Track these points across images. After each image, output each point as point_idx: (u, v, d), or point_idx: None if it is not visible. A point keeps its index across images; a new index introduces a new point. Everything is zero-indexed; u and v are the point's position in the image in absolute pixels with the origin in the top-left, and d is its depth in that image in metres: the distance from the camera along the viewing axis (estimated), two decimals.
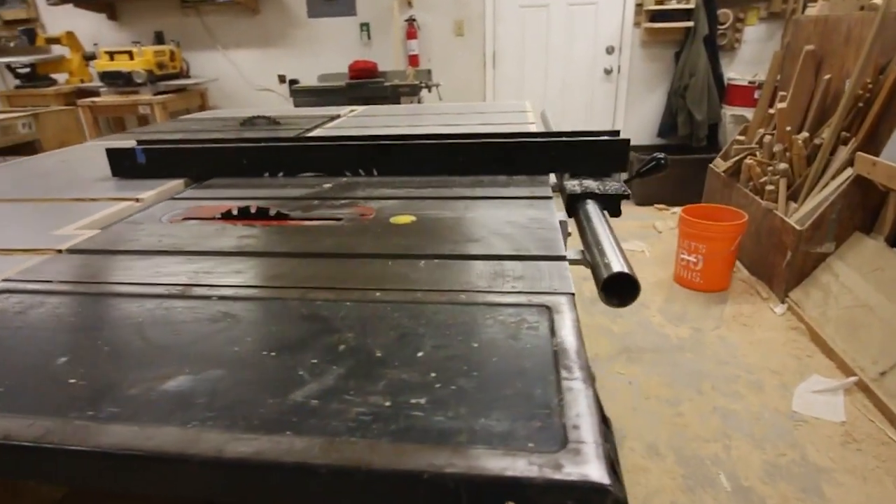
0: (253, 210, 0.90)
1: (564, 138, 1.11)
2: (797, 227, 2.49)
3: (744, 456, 1.74)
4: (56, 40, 4.04)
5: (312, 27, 4.27)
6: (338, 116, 2.12)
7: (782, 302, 2.60)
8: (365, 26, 4.23)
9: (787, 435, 1.82)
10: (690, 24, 3.87)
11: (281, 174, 1.19)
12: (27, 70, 3.82)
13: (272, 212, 0.90)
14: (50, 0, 3.92)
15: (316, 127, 1.85)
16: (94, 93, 3.87)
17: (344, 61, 3.92)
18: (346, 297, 0.62)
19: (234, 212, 0.91)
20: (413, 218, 0.89)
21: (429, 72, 3.89)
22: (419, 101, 3.75)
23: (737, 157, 3.24)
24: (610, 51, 4.15)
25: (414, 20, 4.13)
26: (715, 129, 4.10)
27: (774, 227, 2.68)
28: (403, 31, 4.15)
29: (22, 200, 1.11)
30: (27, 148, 2.44)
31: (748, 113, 3.67)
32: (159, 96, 3.81)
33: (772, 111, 3.08)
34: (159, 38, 4.31)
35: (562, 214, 0.89)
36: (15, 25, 4.39)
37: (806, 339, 2.35)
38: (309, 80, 4.21)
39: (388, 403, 0.43)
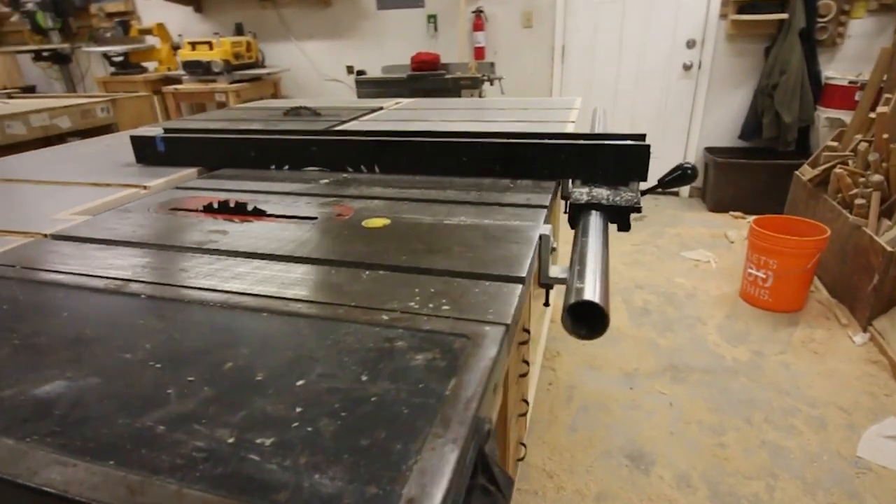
0: (232, 204, 0.89)
1: (577, 140, 1.01)
2: (888, 248, 2.19)
3: (789, 500, 1.55)
4: (148, 31, 4.33)
5: (381, 19, 4.30)
6: (380, 109, 2.10)
7: (864, 330, 2.30)
8: (432, 18, 4.19)
9: (846, 483, 1.61)
10: (784, 16, 3.50)
11: (286, 167, 1.18)
12: (121, 59, 4.13)
13: (249, 207, 0.89)
14: None
15: (353, 119, 1.84)
16: (177, 80, 4.12)
17: (410, 53, 3.90)
18: (267, 306, 0.58)
19: (215, 205, 0.90)
20: (387, 221, 0.84)
21: (491, 65, 3.79)
22: (480, 95, 3.67)
23: (826, 165, 2.90)
24: (691, 45, 3.85)
25: (482, 11, 4.04)
26: (806, 133, 3.71)
27: (862, 246, 2.37)
28: (470, 22, 4.08)
29: (46, 182, 1.18)
30: (105, 130, 2.62)
31: (847, 116, 3.27)
32: (234, 85, 3.99)
33: (872, 115, 2.73)
34: (239, 30, 4.51)
35: (547, 228, 0.80)
36: (114, 17, 4.76)
37: (887, 376, 2.07)
38: (376, 71, 4.24)
39: (231, 440, 0.39)
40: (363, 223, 0.83)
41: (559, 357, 2.24)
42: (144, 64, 4.41)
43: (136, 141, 1.27)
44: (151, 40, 4.43)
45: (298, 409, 0.42)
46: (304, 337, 0.52)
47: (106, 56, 4.14)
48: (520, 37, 4.09)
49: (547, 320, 2.21)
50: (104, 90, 4.23)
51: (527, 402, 1.31)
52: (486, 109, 1.97)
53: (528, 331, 1.10)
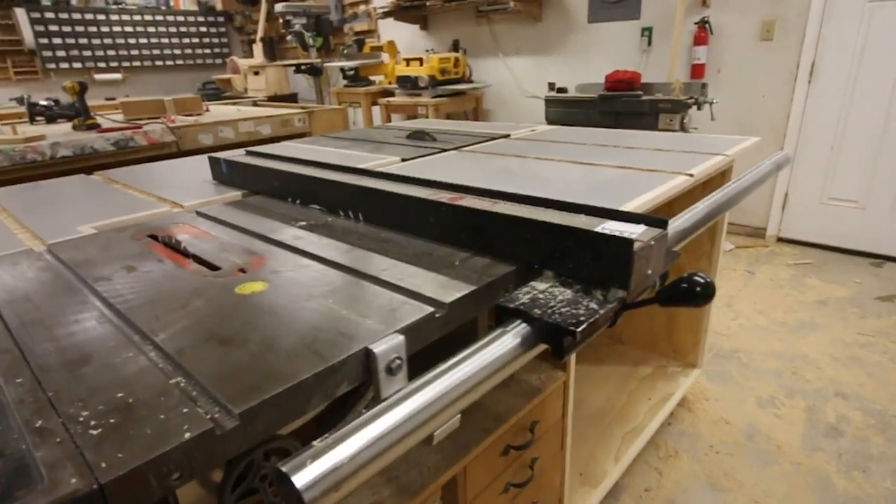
0: (180, 239, 0.89)
1: (545, 216, 0.75)
2: None
3: None
4: (379, 48, 4.85)
5: (590, 33, 4.02)
6: (505, 136, 1.94)
7: None
8: (647, 31, 3.75)
9: None
10: None
11: (298, 202, 1.15)
12: (352, 72, 4.72)
13: (181, 247, 0.87)
14: (377, 15, 4.73)
15: (455, 148, 1.73)
16: (391, 93, 4.53)
17: (617, 68, 3.57)
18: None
19: (160, 238, 0.91)
20: (263, 287, 0.73)
21: (702, 86, 3.21)
22: (683, 122, 3.15)
23: None
24: None
25: (707, 22, 3.45)
26: None
27: None
28: (691, 35, 3.53)
29: (124, 188, 1.36)
30: (300, 136, 3.01)
31: None
32: (435, 99, 4.20)
33: None
34: (455, 46, 4.74)
35: (392, 343, 0.59)
36: (360, 35, 5.47)
37: None
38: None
39: None
40: (236, 288, 0.73)
41: (675, 458, 1.78)
42: (373, 77, 4.95)
43: (211, 161, 1.39)
44: (383, 56, 4.95)
45: None
46: None
47: (342, 70, 4.77)
48: (754, 52, 3.38)
49: (670, 404, 1.78)
50: (336, 99, 4.90)
51: None
52: (608, 147, 1.65)
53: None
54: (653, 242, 0.68)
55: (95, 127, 2.50)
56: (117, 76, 5.88)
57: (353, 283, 0.73)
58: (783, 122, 3.38)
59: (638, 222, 0.74)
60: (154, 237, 0.96)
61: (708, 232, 1.81)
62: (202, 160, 1.73)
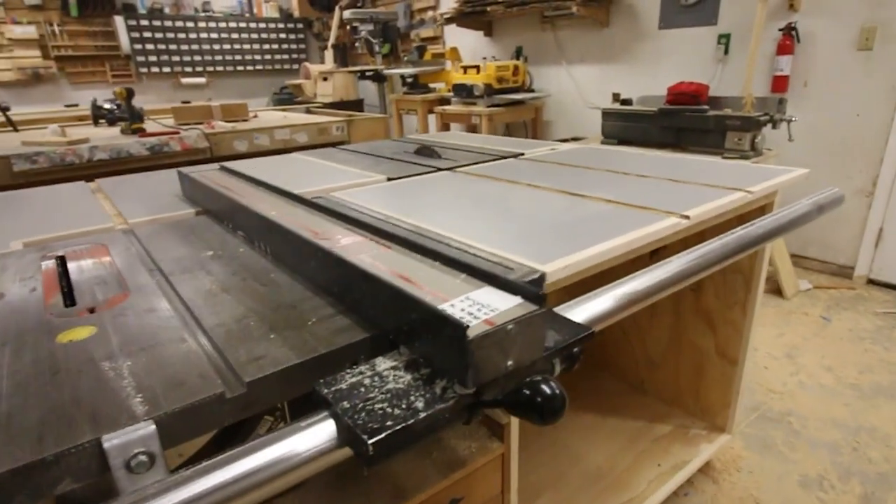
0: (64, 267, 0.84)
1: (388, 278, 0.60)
2: None
3: None
4: (441, 55, 4.79)
5: (661, 40, 3.70)
6: (519, 155, 1.78)
7: None
8: (724, 38, 3.39)
9: None
10: None
11: (231, 226, 1.07)
12: (411, 80, 4.69)
13: (67, 274, 0.82)
14: (439, 21, 4.66)
15: (451, 168, 1.60)
16: (447, 101, 4.44)
17: (689, 79, 3.25)
18: None
19: (62, 261, 0.87)
20: (87, 335, 0.64)
21: (780, 101, 2.81)
22: (754, 140, 2.79)
23: None
24: None
25: (793, 29, 3.05)
26: None
27: None
28: (774, 43, 3.13)
29: (103, 198, 1.35)
30: (338, 145, 2.99)
31: None
32: (490, 108, 4.06)
33: None
34: (518, 53, 4.56)
35: (142, 431, 0.48)
36: (427, 42, 5.43)
37: None
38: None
39: None
40: (60, 334, 0.66)
41: None
42: (434, 85, 4.89)
43: (179, 175, 1.35)
44: (447, 64, 4.88)
45: None
46: None
47: (402, 77, 4.75)
48: (849, 63, 2.94)
49: (682, 475, 1.53)
50: (395, 106, 4.89)
51: None
52: (618, 174, 1.44)
53: None
54: (511, 326, 0.52)
55: (140, 131, 2.62)
56: (202, 80, 6.27)
57: (175, 341, 0.63)
58: (880, 145, 2.90)
59: (515, 293, 0.58)
60: (60, 258, 0.92)
61: (743, 276, 1.54)
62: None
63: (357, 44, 5.33)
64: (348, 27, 5.40)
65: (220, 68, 6.37)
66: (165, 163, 2.48)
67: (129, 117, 2.69)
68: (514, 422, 0.98)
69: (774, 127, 2.83)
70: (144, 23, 5.79)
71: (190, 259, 0.90)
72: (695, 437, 1.68)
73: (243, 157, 2.57)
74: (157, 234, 1.07)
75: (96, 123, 3.13)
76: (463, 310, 0.54)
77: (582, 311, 0.77)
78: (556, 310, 0.72)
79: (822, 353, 2.38)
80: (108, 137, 2.53)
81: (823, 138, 3.09)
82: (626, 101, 3.66)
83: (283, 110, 3.96)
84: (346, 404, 0.51)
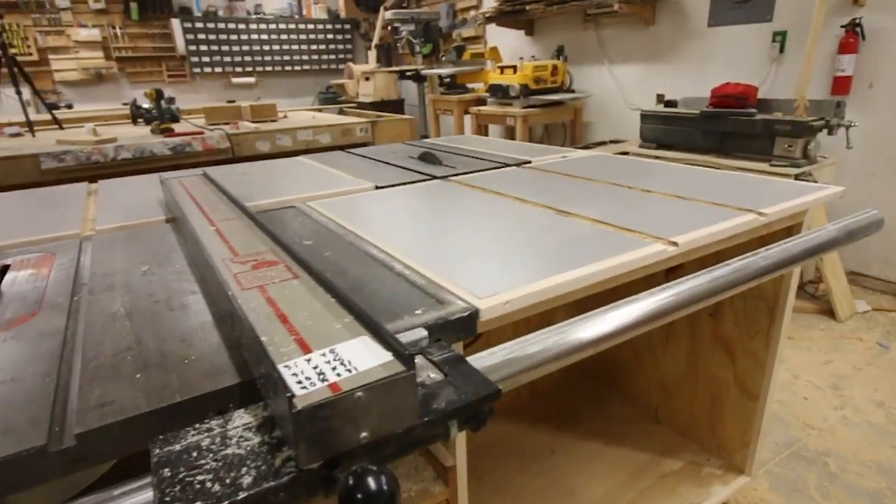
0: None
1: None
2: None
3: None
4: (480, 55, 4.68)
5: (710, 38, 3.45)
6: (525, 163, 1.67)
7: None
8: (779, 35, 3.11)
9: None
10: None
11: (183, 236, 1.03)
12: (448, 80, 4.61)
13: None
14: (479, 20, 4.56)
15: (444, 177, 1.51)
16: (484, 102, 4.34)
17: (740, 79, 3.00)
18: None
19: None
20: None
21: (837, 104, 2.54)
22: (807, 147, 2.55)
23: None
24: None
25: (857, 25, 2.75)
26: None
27: None
28: (836, 40, 2.84)
29: (94, 202, 1.36)
30: (360, 146, 2.97)
31: None
32: (525, 110, 3.92)
33: None
34: (559, 52, 4.39)
35: None
36: (468, 41, 5.34)
37: None
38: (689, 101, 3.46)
39: None
40: None
41: None
42: (473, 85, 4.80)
43: (160, 180, 1.34)
44: (487, 64, 4.77)
45: None
46: None
47: (440, 77, 4.68)
48: None
49: None
50: (432, 106, 4.83)
51: None
52: (622, 188, 1.30)
53: None
54: (360, 394, 0.43)
55: (168, 131, 2.68)
56: (251, 80, 6.43)
57: (37, 376, 0.58)
58: None
59: (388, 348, 0.49)
60: (4, 267, 0.91)
61: (766, 302, 1.37)
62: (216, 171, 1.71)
63: (399, 44, 5.31)
64: (389, 27, 5.39)
65: (268, 68, 6.53)
66: (188, 162, 2.52)
67: (158, 117, 2.76)
68: (462, 462, 0.89)
69: (831, 133, 2.57)
70: (199, 25, 6.00)
71: (122, 274, 0.87)
72: (707, 477, 1.52)
73: (265, 157, 2.58)
74: (112, 243, 1.04)
75: (135, 122, 3.24)
76: (316, 367, 0.46)
77: (569, 332, 0.68)
78: (474, 357, 0.63)
79: (875, 385, 2.13)
80: (137, 137, 2.60)
81: (890, 145, 2.78)
82: (671, 103, 3.44)
83: (317, 110, 3.98)
84: (166, 472, 0.44)
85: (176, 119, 3.19)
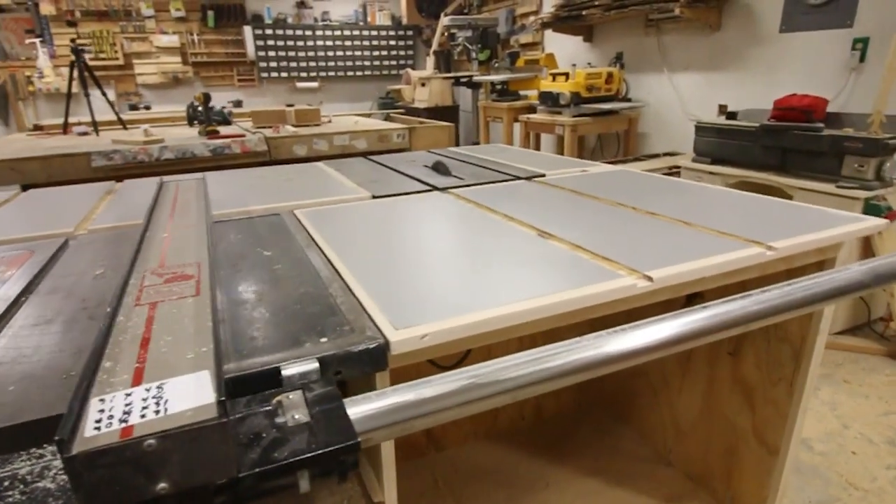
0: None
1: None
2: None
3: None
4: (535, 62, 4.57)
5: (781, 45, 3.17)
6: (538, 177, 1.58)
7: None
8: (860, 42, 2.81)
9: None
10: None
11: None
12: (501, 86, 4.53)
13: None
14: (534, 26, 4.45)
15: (444, 189, 1.46)
16: (534, 110, 4.23)
17: (813, 91, 2.74)
18: None
19: None
20: None
21: None
22: (882, 167, 2.28)
23: None
24: None
25: None
26: None
27: None
28: None
29: (105, 201, 1.41)
30: (398, 152, 2.96)
31: None
32: (574, 119, 3.79)
33: None
34: (618, 59, 4.21)
35: None
36: (527, 48, 5.24)
37: None
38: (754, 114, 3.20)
39: None
40: None
41: None
42: (525, 92, 4.70)
43: (161, 183, 1.37)
44: (543, 71, 4.66)
45: None
46: None
47: (492, 83, 4.62)
48: None
49: None
50: (483, 113, 4.77)
51: None
52: (626, 209, 1.19)
53: None
54: (152, 442, 0.39)
55: (213, 133, 2.79)
56: (314, 84, 6.64)
57: None
58: None
59: (217, 388, 0.45)
60: None
61: (791, 346, 1.21)
62: (233, 174, 1.75)
63: (456, 50, 5.29)
64: (445, 34, 5.39)
65: (331, 73, 6.71)
66: (228, 164, 2.61)
67: (205, 120, 2.88)
68: (392, 498, 0.83)
69: None
70: (269, 32, 6.27)
71: (76, 276, 0.88)
72: None
73: (300, 160, 2.62)
74: (93, 244, 1.07)
75: (191, 124, 3.41)
76: (129, 405, 0.43)
77: (485, 377, 0.61)
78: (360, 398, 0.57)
79: None
80: (185, 138, 2.73)
81: None
82: (732, 115, 3.20)
83: (362, 115, 4.02)
84: None
85: (227, 122, 3.32)
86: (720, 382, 1.41)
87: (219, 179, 1.64)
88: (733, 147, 2.85)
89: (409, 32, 6.98)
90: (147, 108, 5.77)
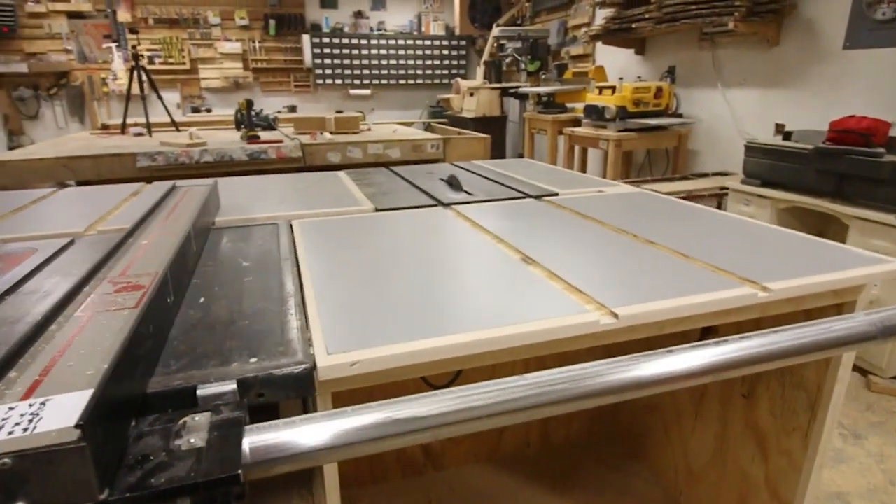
0: None
1: None
2: None
3: None
4: (584, 74, 4.48)
5: (845, 62, 2.95)
6: (552, 195, 1.53)
7: None
8: None
9: None
10: None
11: None
12: (547, 98, 4.46)
13: None
14: (584, 39, 4.35)
15: (448, 204, 1.43)
16: (579, 123, 4.13)
17: (879, 112, 2.54)
18: None
19: None
20: None
21: None
22: None
23: None
24: None
25: None
26: None
27: None
28: None
29: (122, 204, 1.48)
30: (432, 162, 2.97)
31: None
32: (619, 133, 3.67)
33: None
34: (670, 73, 4.06)
35: None
36: (578, 60, 5.15)
37: None
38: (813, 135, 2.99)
39: None
40: None
41: None
42: (573, 105, 4.60)
43: (172, 187, 1.42)
44: (592, 83, 4.56)
45: None
46: None
47: (538, 95, 4.56)
48: None
49: None
50: (527, 125, 4.71)
51: None
52: (626, 237, 1.12)
53: None
54: (8, 461, 0.39)
55: (253, 138, 2.88)
56: (367, 92, 6.79)
57: None
58: None
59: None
60: None
61: (807, 394, 1.11)
62: (245, 179, 1.80)
63: (505, 61, 5.27)
64: (495, 45, 5.37)
65: (384, 81, 6.84)
66: (264, 168, 2.69)
67: (247, 125, 2.99)
68: None
69: None
70: (326, 40, 6.47)
71: (58, 277, 0.91)
72: None
73: (334, 168, 2.66)
74: (93, 245, 1.11)
75: (238, 128, 3.55)
76: (6, 419, 0.43)
77: (409, 407, 0.58)
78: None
79: None
80: (227, 142, 2.84)
81: None
82: (789, 135, 3.01)
83: (406, 124, 4.06)
84: None
85: (272, 127, 3.44)
86: (733, 425, 1.31)
87: (234, 185, 1.69)
88: (785, 170, 2.67)
89: (462, 42, 7.02)
90: (208, 110, 6.05)
